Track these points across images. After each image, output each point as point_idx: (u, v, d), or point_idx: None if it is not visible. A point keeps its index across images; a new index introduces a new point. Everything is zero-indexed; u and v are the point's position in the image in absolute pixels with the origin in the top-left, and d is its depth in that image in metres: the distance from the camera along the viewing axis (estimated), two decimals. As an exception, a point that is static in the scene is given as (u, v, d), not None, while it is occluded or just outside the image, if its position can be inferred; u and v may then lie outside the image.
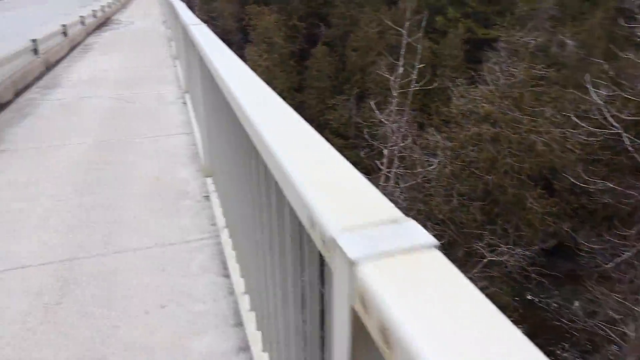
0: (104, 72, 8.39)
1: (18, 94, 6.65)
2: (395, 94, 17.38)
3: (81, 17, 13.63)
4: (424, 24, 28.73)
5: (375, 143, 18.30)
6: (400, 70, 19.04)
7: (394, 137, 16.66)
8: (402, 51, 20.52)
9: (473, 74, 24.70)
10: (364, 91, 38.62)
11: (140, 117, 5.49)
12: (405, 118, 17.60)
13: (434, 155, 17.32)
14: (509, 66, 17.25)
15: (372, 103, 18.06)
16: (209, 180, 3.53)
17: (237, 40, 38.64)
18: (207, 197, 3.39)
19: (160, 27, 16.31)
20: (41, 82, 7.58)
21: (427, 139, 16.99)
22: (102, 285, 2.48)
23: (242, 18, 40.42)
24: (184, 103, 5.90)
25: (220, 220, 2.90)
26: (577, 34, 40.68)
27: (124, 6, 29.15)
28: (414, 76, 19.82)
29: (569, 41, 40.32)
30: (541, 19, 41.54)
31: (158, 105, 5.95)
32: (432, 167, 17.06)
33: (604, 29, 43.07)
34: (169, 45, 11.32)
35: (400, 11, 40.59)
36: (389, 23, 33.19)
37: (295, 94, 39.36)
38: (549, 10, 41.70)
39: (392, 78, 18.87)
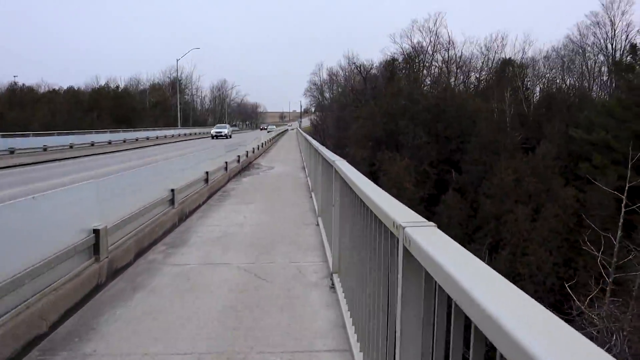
0: (239, 226, 7.46)
1: (141, 253, 5.75)
2: (610, 279, 13.38)
3: (226, 162, 13.71)
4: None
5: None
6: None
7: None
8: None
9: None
10: (499, 241, 35.55)
11: (273, 308, 4.06)
12: (629, 315, 13.49)
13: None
14: None
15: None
16: None
17: (365, 184, 38.75)
18: None
19: (299, 173, 16.03)
20: (169, 238, 6.75)
21: None
22: None
23: (374, 163, 40.94)
24: (332, 287, 4.42)
25: None
26: None
27: (266, 151, 30.97)
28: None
29: None
30: None
31: (297, 287, 4.55)
32: None
33: None
34: (310, 196, 10.46)
35: (538, 158, 38.49)
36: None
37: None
38: None
39: (600, 255, 14.59)
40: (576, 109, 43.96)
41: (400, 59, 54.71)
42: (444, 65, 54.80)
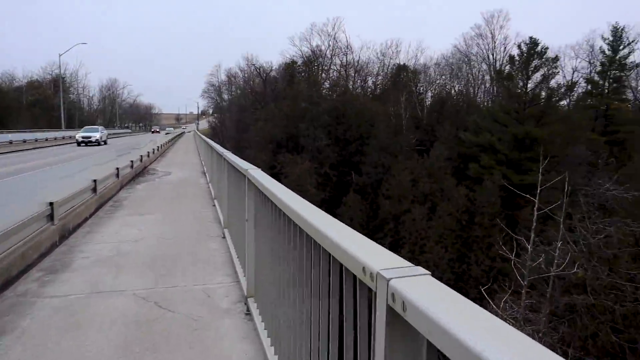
0: (133, 242, 6.58)
1: (7, 285, 4.74)
2: (525, 282, 13.47)
3: (117, 168, 12.45)
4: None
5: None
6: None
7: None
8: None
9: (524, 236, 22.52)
10: (398, 240, 36.78)
11: (179, 345, 3.40)
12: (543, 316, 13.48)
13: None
14: (596, 222, 15.22)
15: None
16: None
17: (268, 188, 38.17)
18: None
19: (200, 179, 15.06)
20: (47, 261, 5.73)
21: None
22: None
23: (274, 166, 40.48)
24: (248, 313, 3.85)
25: None
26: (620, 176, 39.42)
27: (162, 154, 29.14)
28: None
29: (610, 186, 38.80)
30: (572, 164, 40.80)
31: (206, 317, 3.91)
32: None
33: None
34: (213, 204, 9.71)
35: (432, 159, 40.46)
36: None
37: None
38: (585, 157, 41.03)
39: (512, 257, 14.91)
40: (464, 113, 46.91)
41: (299, 62, 54.92)
42: (342, 69, 55.93)
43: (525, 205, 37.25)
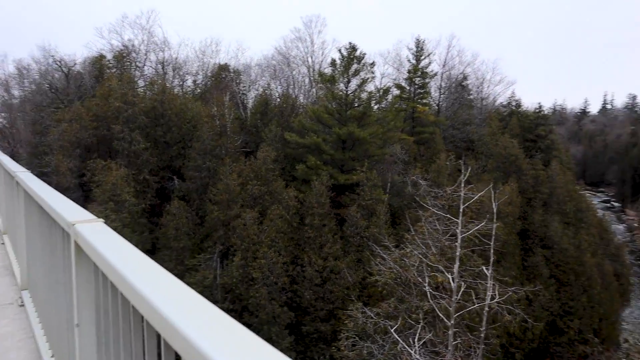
0: None
1: None
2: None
3: None
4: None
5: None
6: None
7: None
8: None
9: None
10: (230, 247, 34.90)
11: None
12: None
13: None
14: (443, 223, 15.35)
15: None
16: None
17: (76, 198, 32.88)
18: None
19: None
20: None
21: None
22: None
23: (84, 174, 35.12)
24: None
25: None
26: (427, 173, 43.42)
27: None
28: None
29: (421, 181, 42.38)
30: (389, 162, 43.88)
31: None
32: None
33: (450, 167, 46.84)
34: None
35: (259, 161, 39.39)
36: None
37: (149, 257, 33.82)
38: (400, 156, 44.27)
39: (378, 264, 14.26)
40: (289, 115, 46.95)
41: (109, 57, 49.10)
42: (159, 66, 51.65)
43: (350, 204, 38.67)
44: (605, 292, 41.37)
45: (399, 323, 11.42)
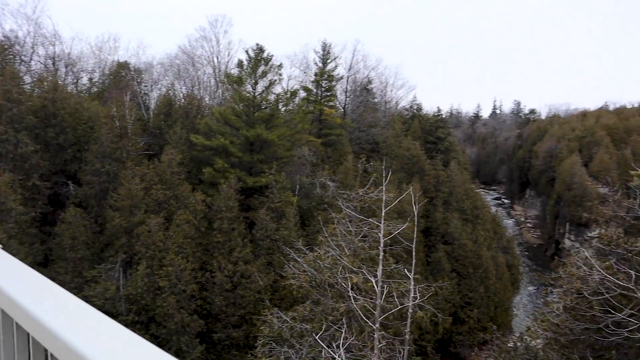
0: None
1: None
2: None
3: None
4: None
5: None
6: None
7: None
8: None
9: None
10: (133, 256, 32.92)
11: None
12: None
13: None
14: (358, 223, 15.36)
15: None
16: None
17: (-50, 208, 29.46)
18: None
19: None
20: None
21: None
22: None
23: (-41, 181, 31.30)
24: None
25: None
26: (334, 174, 44.12)
27: None
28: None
29: (329, 182, 43.00)
30: (297, 164, 44.04)
31: None
32: None
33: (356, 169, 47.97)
34: None
35: (163, 165, 37.64)
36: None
37: (42, 270, 30.96)
38: (308, 158, 44.55)
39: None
40: (194, 116, 45.44)
41: (-13, 49, 44.32)
42: (49, 61, 47.58)
43: (259, 207, 38.16)
44: (499, 282, 44.62)
45: (320, 327, 11.29)
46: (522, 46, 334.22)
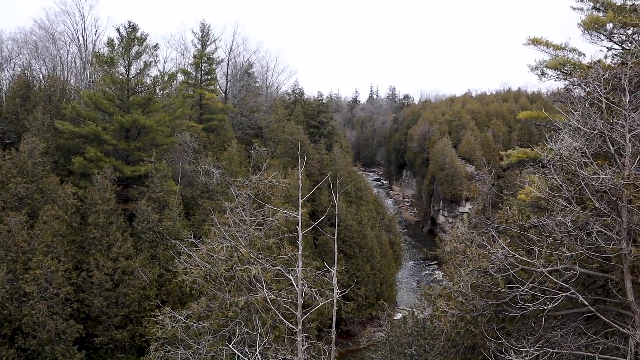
0: None
1: None
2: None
3: None
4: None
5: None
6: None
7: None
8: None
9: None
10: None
11: None
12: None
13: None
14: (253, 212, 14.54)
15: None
16: None
17: None
18: None
19: None
20: None
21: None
22: None
23: None
24: None
25: None
26: (218, 161, 42.68)
27: None
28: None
29: (214, 169, 41.60)
30: (179, 151, 41.96)
31: None
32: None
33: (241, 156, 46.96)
34: None
35: (24, 154, 33.48)
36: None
37: None
38: (190, 144, 42.55)
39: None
40: (58, 100, 41.04)
41: None
42: None
43: (139, 198, 35.66)
44: (384, 260, 46.79)
45: (217, 323, 10.55)
46: (396, 35, 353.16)
